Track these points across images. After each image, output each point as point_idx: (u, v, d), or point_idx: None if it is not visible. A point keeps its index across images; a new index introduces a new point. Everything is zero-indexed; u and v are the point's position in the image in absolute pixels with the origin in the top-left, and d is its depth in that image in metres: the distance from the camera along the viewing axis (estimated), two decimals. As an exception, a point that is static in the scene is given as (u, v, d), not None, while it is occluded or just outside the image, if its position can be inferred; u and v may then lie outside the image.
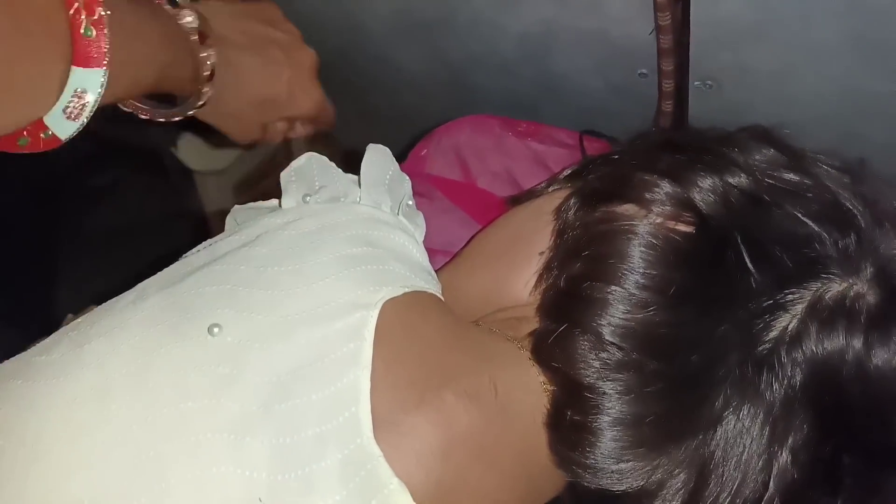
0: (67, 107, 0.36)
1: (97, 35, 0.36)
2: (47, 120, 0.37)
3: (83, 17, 0.35)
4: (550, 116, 0.74)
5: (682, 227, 0.42)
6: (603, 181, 0.47)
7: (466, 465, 0.38)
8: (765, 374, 0.38)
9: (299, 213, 0.44)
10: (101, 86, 0.37)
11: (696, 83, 0.64)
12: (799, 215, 0.41)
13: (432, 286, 0.45)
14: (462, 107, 0.75)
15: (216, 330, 0.37)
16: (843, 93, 0.60)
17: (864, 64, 0.57)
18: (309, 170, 0.46)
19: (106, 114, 0.39)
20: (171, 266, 0.42)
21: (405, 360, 0.39)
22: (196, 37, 0.48)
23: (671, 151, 0.45)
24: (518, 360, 0.44)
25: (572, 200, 0.47)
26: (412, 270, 0.44)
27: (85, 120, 0.37)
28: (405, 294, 0.41)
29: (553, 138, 0.65)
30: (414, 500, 0.35)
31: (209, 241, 0.44)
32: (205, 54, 0.49)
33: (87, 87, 0.37)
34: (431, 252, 0.52)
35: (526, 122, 0.67)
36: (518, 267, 0.47)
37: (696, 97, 0.66)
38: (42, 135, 0.37)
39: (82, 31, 0.35)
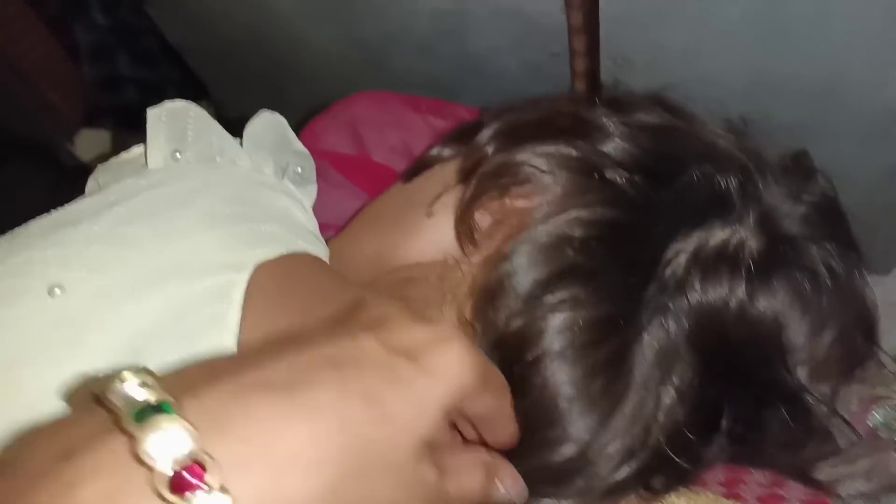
0: None
1: None
2: None
3: None
4: (469, 98, 0.72)
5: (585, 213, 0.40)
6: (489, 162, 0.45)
7: None
8: (653, 320, 0.38)
9: (167, 174, 0.40)
10: None
11: (607, 62, 0.64)
12: (681, 166, 0.40)
13: (319, 250, 0.42)
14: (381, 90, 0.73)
15: (57, 291, 0.33)
16: (749, 72, 0.60)
17: (767, 43, 0.57)
18: (183, 117, 0.42)
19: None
20: (12, 230, 0.38)
21: (278, 326, 0.34)
22: None
23: (555, 123, 0.45)
24: None
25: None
26: (295, 233, 0.41)
27: None
28: (283, 256, 0.38)
29: (454, 115, 0.63)
30: None
31: (64, 206, 0.40)
32: None
33: None
34: (322, 227, 0.48)
35: (427, 99, 0.65)
36: (409, 230, 0.46)
37: (609, 76, 0.66)
38: None
39: None
